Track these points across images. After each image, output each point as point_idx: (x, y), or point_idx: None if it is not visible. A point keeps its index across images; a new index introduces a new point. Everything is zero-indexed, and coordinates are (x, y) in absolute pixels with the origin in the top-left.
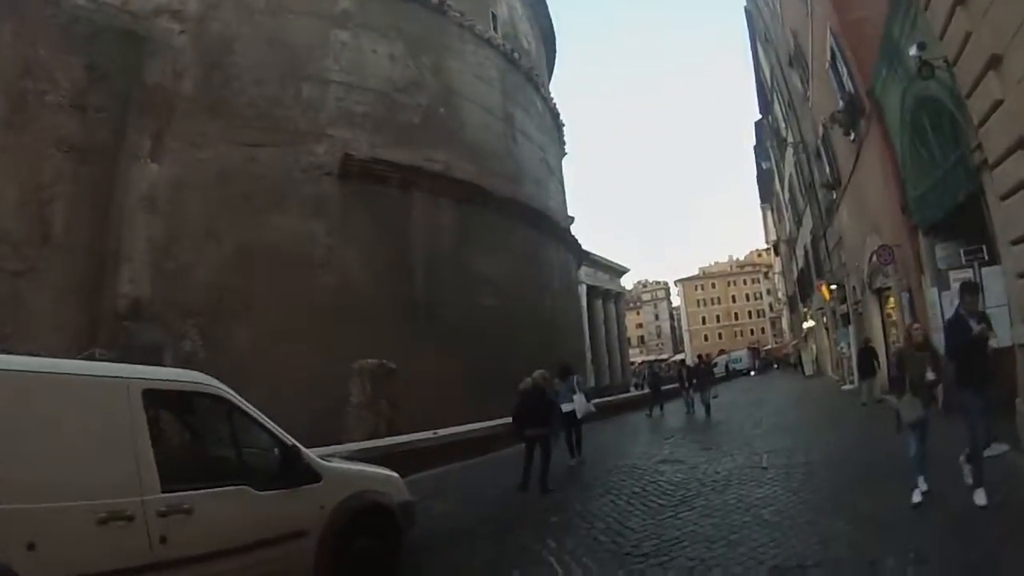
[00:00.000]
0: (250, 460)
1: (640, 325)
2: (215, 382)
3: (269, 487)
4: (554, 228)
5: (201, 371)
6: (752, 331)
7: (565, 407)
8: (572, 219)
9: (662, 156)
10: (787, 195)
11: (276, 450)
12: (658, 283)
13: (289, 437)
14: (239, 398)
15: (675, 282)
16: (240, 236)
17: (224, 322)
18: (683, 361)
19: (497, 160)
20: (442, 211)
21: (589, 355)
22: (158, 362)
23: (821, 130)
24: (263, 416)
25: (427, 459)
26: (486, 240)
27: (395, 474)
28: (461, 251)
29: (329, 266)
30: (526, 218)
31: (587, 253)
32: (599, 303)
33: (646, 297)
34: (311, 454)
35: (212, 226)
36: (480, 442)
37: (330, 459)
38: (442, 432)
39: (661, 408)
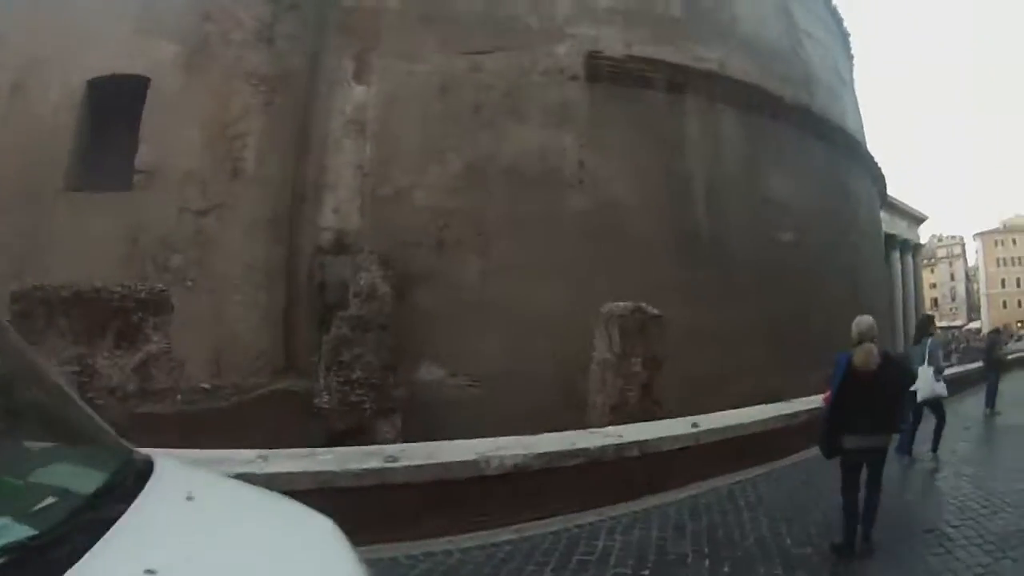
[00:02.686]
0: None
1: (934, 285)
2: None
3: None
4: (856, 150)
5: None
6: None
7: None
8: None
9: (955, 76)
10: None
11: None
12: (953, 238)
13: None
14: None
15: (974, 236)
16: (469, 153)
17: (450, 253)
18: (997, 330)
19: (782, 61)
20: (722, 120)
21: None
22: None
23: None
24: None
25: (681, 468)
26: (778, 159)
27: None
28: (749, 171)
29: (582, 186)
30: (823, 135)
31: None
32: (896, 255)
33: (941, 253)
34: None
35: (434, 144)
36: (770, 439)
37: None
38: (708, 424)
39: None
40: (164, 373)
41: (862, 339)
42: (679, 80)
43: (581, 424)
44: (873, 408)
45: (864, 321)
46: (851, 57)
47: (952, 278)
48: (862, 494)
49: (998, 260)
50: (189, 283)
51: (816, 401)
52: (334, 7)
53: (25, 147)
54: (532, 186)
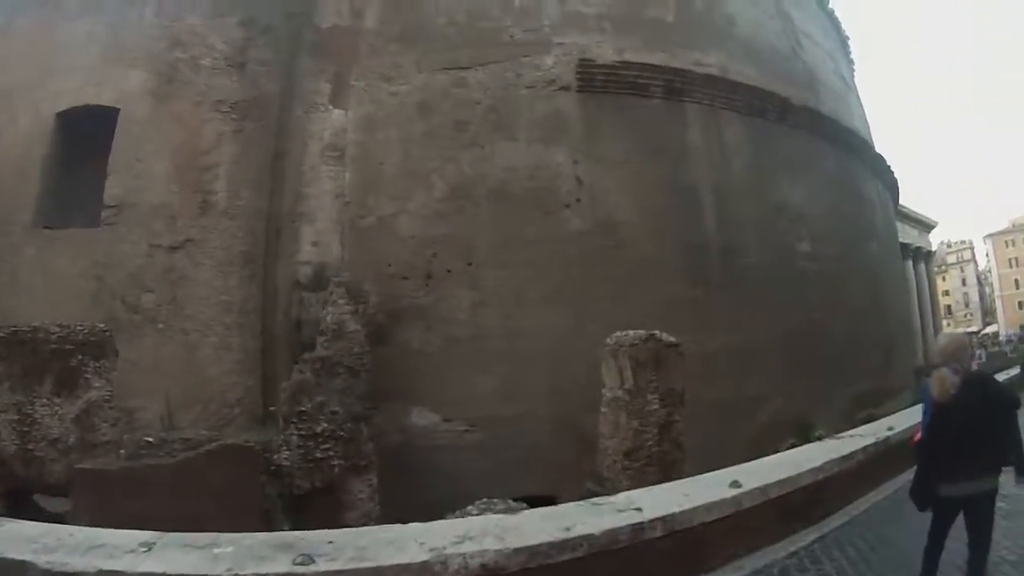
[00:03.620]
0: None
1: (946, 293)
2: None
3: None
4: (867, 153)
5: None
6: None
7: None
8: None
9: (953, 76)
10: None
11: None
12: (963, 242)
13: None
14: None
15: (984, 238)
16: (454, 175)
17: (438, 285)
18: None
19: (784, 62)
20: (726, 125)
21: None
22: (340, 338)
23: None
24: None
25: (718, 543)
26: (788, 164)
27: None
28: (758, 178)
29: (578, 204)
30: (833, 137)
31: None
32: (908, 263)
33: (951, 259)
34: None
35: (417, 167)
36: (819, 490)
37: None
38: (751, 482)
39: None
40: (107, 424)
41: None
42: (677, 85)
43: (590, 470)
44: (962, 445)
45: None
46: (852, 62)
47: (964, 283)
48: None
49: (1010, 261)
50: (160, 325)
51: (867, 435)
52: (309, 28)
53: None
54: (524, 207)
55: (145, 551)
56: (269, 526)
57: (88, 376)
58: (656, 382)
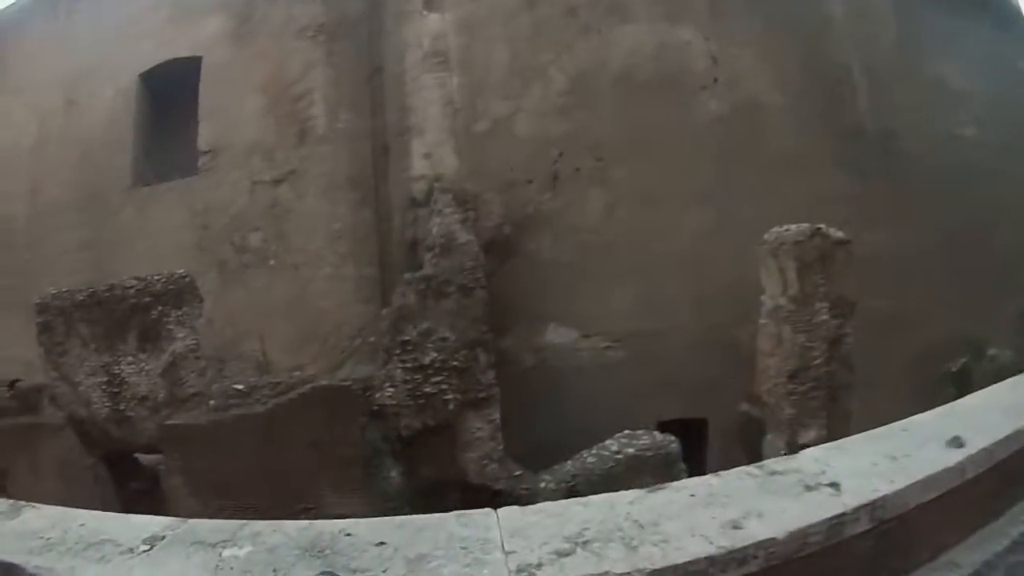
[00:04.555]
0: None
1: None
2: None
3: None
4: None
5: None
6: None
7: None
8: None
9: None
10: None
11: None
12: None
13: None
14: None
15: None
16: (571, 66)
17: (566, 187)
18: None
19: None
20: None
21: None
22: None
23: None
24: None
25: (932, 528)
26: (939, 39)
27: None
28: (911, 54)
29: (716, 87)
30: (987, 6)
31: None
32: None
33: None
34: None
35: (528, 63)
36: None
37: None
38: (978, 440)
39: None
40: (195, 375)
41: None
42: None
43: (745, 391)
44: None
45: None
46: None
47: None
48: None
49: None
50: (271, 262)
51: None
52: None
53: (87, 155)
54: (653, 93)
55: (145, 550)
56: (373, 475)
57: (171, 327)
58: (824, 287)
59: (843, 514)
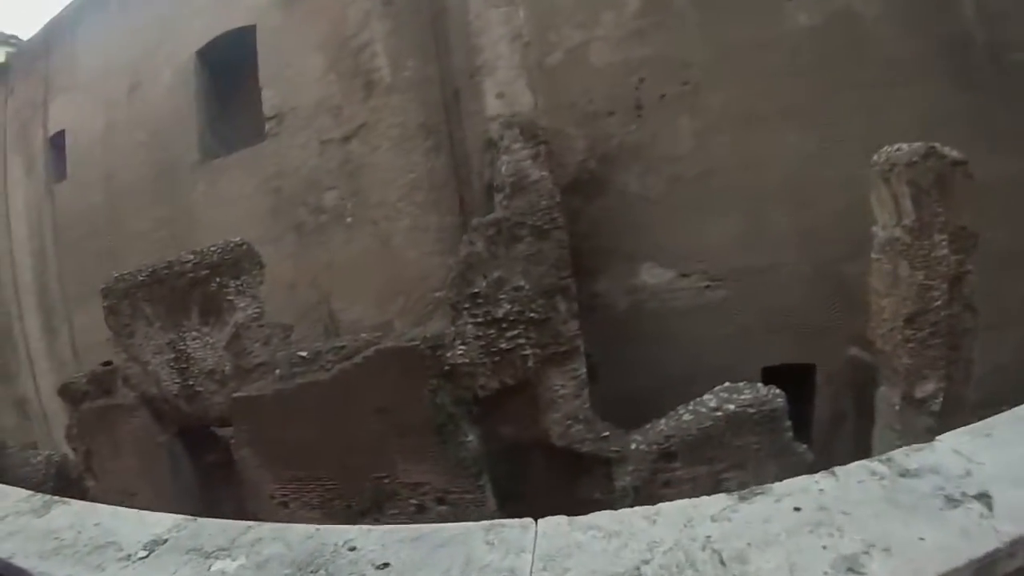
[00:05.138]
0: None
1: None
2: None
3: None
4: None
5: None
6: None
7: None
8: None
9: None
10: None
11: None
12: None
13: None
14: None
15: None
16: None
17: (652, 115)
18: None
19: None
20: None
21: None
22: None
23: None
24: None
25: None
26: None
27: None
28: None
29: None
30: None
31: None
32: None
33: None
34: None
35: None
36: None
37: None
38: None
39: None
40: (259, 344)
41: None
42: None
43: (856, 334)
44: None
45: None
46: None
47: None
48: None
49: None
50: (348, 219)
51: None
52: None
53: (154, 136)
54: (735, 8)
55: (143, 556)
56: (447, 441)
57: (231, 298)
58: (943, 216)
59: (996, 550)
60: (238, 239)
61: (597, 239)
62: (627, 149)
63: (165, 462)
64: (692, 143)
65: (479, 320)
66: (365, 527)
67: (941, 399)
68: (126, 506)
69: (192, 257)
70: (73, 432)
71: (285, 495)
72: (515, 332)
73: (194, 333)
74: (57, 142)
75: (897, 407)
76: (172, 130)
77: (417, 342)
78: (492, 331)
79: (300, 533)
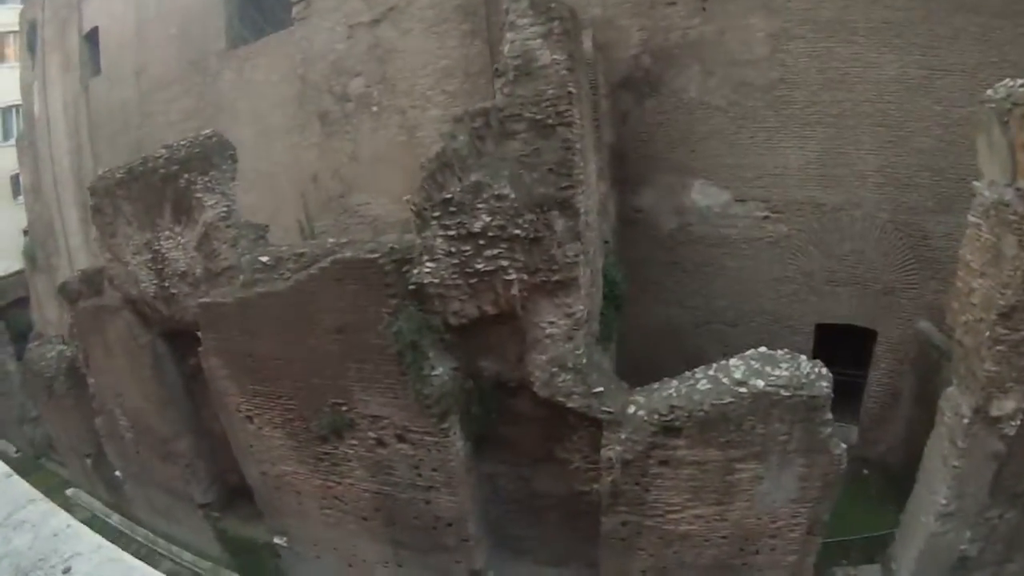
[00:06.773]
0: None
1: None
2: None
3: None
4: None
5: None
6: None
7: None
8: None
9: None
10: None
11: None
12: None
13: None
14: None
15: None
16: None
17: (720, 11)
18: None
19: None
20: None
21: None
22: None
23: None
24: None
25: None
26: None
27: None
28: None
29: None
30: None
31: None
32: None
33: None
34: None
35: None
36: None
37: None
38: None
39: None
40: (227, 245)
41: None
42: None
43: (931, 304)
44: None
45: None
46: None
47: None
48: None
49: None
50: (374, 108)
51: None
52: None
53: (183, 27)
54: None
55: None
56: (411, 371)
57: (199, 195)
58: None
59: None
60: (208, 131)
61: (646, 146)
62: (688, 46)
63: (149, 364)
64: (766, 47)
65: (451, 233)
66: None
67: (1019, 422)
68: (118, 410)
69: (164, 152)
70: (73, 331)
71: (250, 410)
72: (495, 251)
73: (167, 233)
74: (92, 39)
75: (966, 420)
76: (201, 20)
77: (377, 254)
78: (467, 247)
79: None
